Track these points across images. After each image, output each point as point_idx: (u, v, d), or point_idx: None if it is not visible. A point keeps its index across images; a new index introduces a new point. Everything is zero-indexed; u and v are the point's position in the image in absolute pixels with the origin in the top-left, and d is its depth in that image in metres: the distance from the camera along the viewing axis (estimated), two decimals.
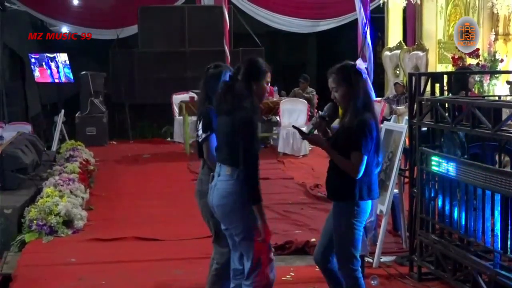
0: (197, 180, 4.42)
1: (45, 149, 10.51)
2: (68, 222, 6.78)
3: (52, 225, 6.57)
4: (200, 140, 4.28)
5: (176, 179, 9.76)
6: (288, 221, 7.18)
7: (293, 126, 4.06)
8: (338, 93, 3.95)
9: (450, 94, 5.59)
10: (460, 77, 6.43)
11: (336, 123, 4.14)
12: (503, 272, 4.19)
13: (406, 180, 5.90)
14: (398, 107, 12.27)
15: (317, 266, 4.25)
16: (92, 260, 5.89)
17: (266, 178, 9.58)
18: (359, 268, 4.03)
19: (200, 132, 4.26)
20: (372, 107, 3.98)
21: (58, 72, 14.77)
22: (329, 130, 4.09)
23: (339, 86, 3.94)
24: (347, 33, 15.82)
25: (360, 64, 3.98)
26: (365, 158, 3.85)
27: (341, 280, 4.11)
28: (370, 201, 3.99)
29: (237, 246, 3.96)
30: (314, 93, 13.43)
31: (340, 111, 4.06)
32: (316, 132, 4.05)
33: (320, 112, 4.09)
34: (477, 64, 11.83)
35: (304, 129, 4.15)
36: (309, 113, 11.88)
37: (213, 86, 4.26)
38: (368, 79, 4.05)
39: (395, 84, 13.13)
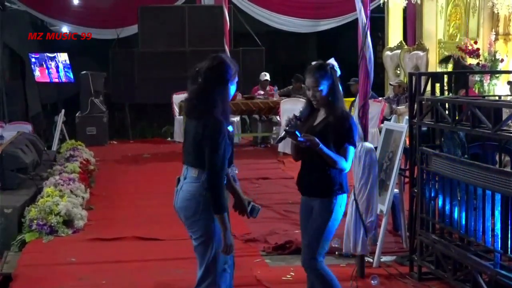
0: None
1: (45, 148, 10.51)
2: (68, 222, 6.78)
3: (52, 224, 6.57)
4: None
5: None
6: (288, 220, 7.19)
7: (285, 130, 4.02)
8: (319, 92, 4.03)
9: (451, 94, 5.60)
10: (459, 77, 6.45)
11: None
12: (503, 272, 4.20)
13: (406, 180, 5.90)
14: (398, 107, 12.26)
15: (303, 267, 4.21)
16: (92, 259, 5.89)
17: (266, 177, 9.59)
18: (323, 260, 4.07)
19: None
20: (344, 103, 4.14)
21: (58, 72, 14.77)
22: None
23: (320, 84, 4.03)
24: (347, 33, 15.81)
25: (333, 62, 4.10)
26: (354, 151, 4.06)
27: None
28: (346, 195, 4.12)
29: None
30: None
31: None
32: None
33: (295, 114, 4.12)
34: (478, 64, 11.84)
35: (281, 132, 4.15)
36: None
37: None
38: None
39: (390, 85, 13.14)
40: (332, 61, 4.13)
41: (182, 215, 3.85)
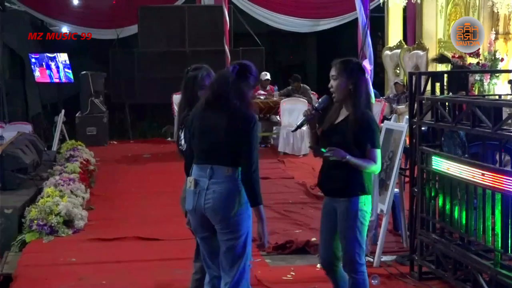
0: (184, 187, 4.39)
1: (46, 149, 10.50)
2: (68, 222, 6.78)
3: (52, 225, 6.57)
4: (184, 149, 4.08)
5: (176, 179, 9.69)
6: (288, 220, 7.19)
7: (310, 147, 3.99)
8: (336, 82, 3.98)
9: (450, 93, 5.60)
10: (458, 77, 6.45)
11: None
12: (503, 271, 4.19)
13: (407, 179, 5.90)
14: (398, 106, 12.28)
15: (323, 269, 4.23)
16: (92, 260, 5.89)
17: (267, 177, 9.58)
18: (365, 263, 4.04)
19: (183, 142, 4.10)
20: (371, 108, 4.05)
21: (58, 72, 14.76)
22: (317, 124, 4.10)
23: (339, 75, 3.97)
24: (347, 32, 15.82)
25: (366, 64, 4.05)
26: (380, 152, 3.96)
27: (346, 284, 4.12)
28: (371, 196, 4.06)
29: (217, 252, 3.80)
30: (310, 90, 13.40)
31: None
32: (307, 124, 4.07)
33: (314, 104, 4.10)
34: (477, 63, 11.84)
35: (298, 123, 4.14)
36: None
37: (192, 90, 4.15)
38: (369, 80, 4.11)
39: (395, 83, 13.15)
40: (365, 62, 4.09)
41: (220, 215, 3.69)
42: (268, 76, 13.26)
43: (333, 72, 4.00)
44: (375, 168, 3.95)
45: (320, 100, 4.09)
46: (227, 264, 3.75)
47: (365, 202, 3.97)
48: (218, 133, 3.70)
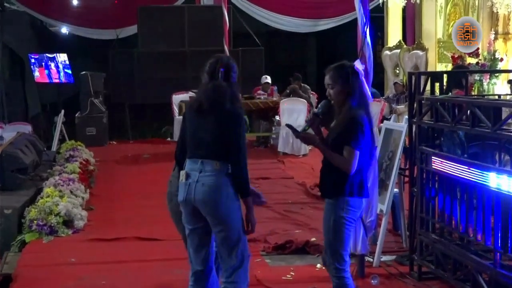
0: (168, 182, 4.47)
1: (45, 149, 10.50)
2: (68, 222, 6.78)
3: (52, 225, 6.57)
4: None
5: None
6: (288, 220, 7.19)
7: (287, 125, 4.11)
8: (333, 90, 4.01)
9: (450, 93, 5.61)
10: (455, 76, 6.46)
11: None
12: (503, 271, 4.20)
13: (406, 179, 5.90)
14: (398, 106, 12.29)
15: (324, 267, 4.25)
16: (92, 260, 5.89)
17: (266, 177, 9.58)
18: (347, 269, 4.00)
19: None
20: (367, 108, 4.06)
21: (58, 72, 14.75)
22: (321, 128, 4.12)
23: (335, 83, 4.00)
24: (347, 33, 15.81)
25: (358, 65, 4.05)
26: (357, 153, 3.89)
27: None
28: (361, 199, 4.01)
29: (203, 245, 3.98)
30: (310, 90, 13.40)
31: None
32: (310, 130, 4.09)
33: (314, 109, 4.13)
34: (477, 63, 11.85)
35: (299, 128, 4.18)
36: (309, 112, 11.87)
37: None
38: (364, 81, 4.12)
39: (395, 83, 13.16)
40: (357, 63, 4.11)
41: (208, 207, 3.86)
42: (268, 79, 13.21)
43: (328, 81, 4.03)
44: (346, 166, 3.87)
45: (319, 105, 4.14)
46: (224, 253, 3.93)
47: (346, 206, 3.92)
48: (209, 130, 3.89)
